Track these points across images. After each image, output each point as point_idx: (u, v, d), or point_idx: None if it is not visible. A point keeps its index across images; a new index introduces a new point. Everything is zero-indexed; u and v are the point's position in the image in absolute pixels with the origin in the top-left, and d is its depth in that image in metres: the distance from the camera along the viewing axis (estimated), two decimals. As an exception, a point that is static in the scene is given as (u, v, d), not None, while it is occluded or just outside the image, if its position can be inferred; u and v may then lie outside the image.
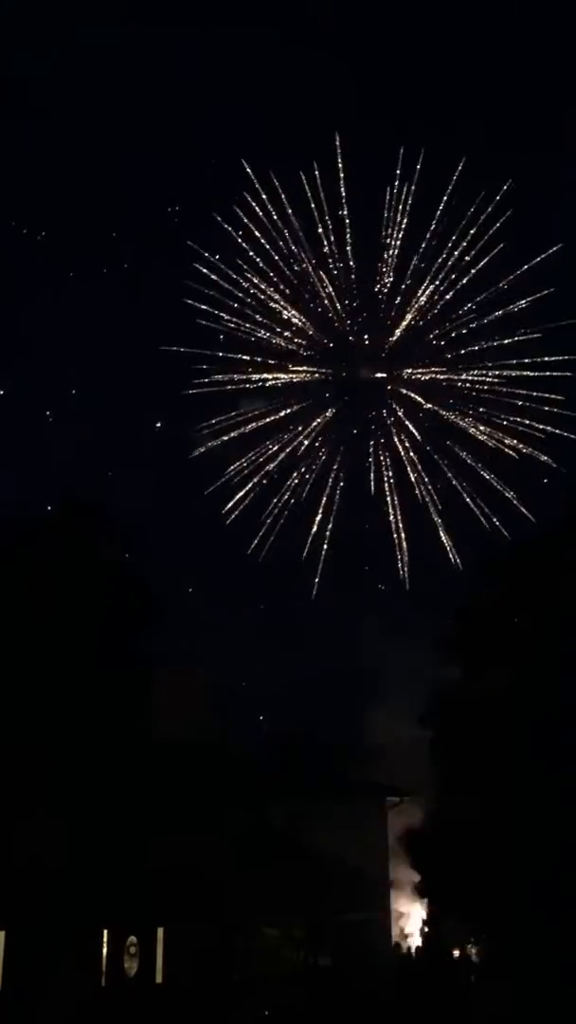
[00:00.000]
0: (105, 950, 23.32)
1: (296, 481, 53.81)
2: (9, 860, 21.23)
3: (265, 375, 55.19)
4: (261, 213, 52.69)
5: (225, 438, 53.53)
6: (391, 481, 54.17)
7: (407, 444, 54.44)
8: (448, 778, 22.27)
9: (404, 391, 54.48)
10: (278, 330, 54.98)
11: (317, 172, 52.33)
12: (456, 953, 28.81)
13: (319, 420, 55.86)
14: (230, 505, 51.98)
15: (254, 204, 52.45)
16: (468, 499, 51.44)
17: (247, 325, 53.98)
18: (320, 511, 52.73)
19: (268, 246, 53.57)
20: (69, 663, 23.41)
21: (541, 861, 19.15)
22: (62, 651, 23.59)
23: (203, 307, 52.97)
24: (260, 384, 55.09)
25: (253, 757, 31.27)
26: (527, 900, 19.52)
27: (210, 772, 26.11)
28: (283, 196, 52.98)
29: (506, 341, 52.38)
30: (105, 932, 23.38)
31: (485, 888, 20.11)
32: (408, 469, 54.01)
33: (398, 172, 52.92)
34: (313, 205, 53.12)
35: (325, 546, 51.29)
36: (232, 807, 26.32)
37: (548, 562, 23.11)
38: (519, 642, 22.22)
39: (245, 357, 54.32)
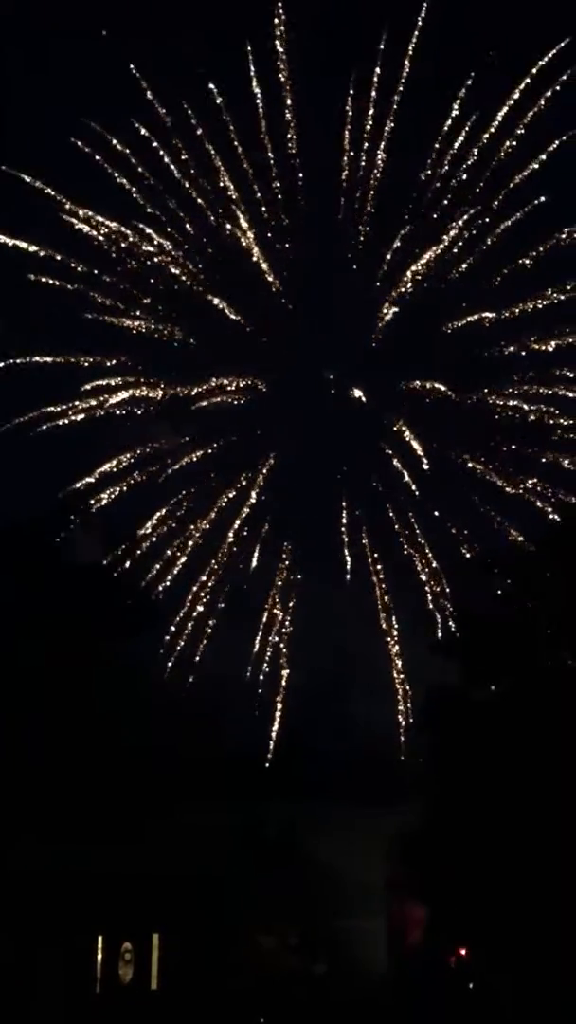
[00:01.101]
0: (100, 956, 23.23)
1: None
2: (3, 865, 21.13)
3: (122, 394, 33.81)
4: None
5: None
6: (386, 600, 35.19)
7: (412, 521, 35.03)
8: (446, 783, 22.24)
9: (400, 426, 34.94)
10: (150, 306, 34.74)
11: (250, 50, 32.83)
12: (454, 959, 28.68)
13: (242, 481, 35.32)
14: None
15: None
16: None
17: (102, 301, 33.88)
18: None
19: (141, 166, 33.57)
20: (62, 666, 23.35)
21: (540, 866, 19.11)
22: (55, 654, 23.54)
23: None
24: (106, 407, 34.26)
25: (249, 763, 31.18)
26: (526, 905, 19.48)
27: (206, 778, 26.04)
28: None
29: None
30: (100, 938, 23.28)
31: (483, 893, 20.06)
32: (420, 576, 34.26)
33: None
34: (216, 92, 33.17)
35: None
36: (228, 813, 26.25)
37: (548, 567, 23.13)
38: (519, 647, 22.24)
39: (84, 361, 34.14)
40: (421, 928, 27.16)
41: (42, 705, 22.74)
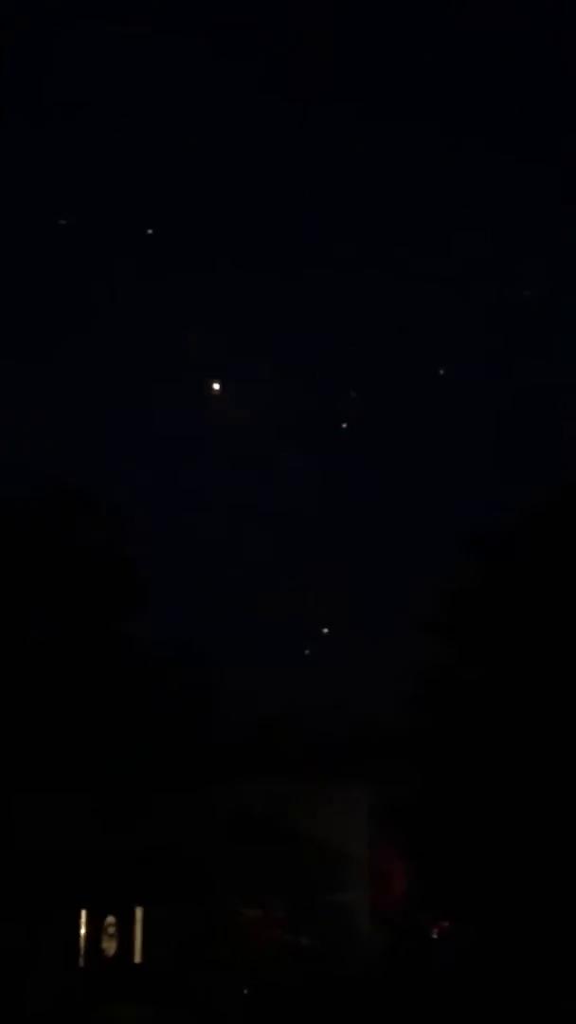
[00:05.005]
0: (83, 930, 23.20)
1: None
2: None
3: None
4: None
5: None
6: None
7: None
8: (434, 762, 22.14)
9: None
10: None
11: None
12: (437, 930, 28.80)
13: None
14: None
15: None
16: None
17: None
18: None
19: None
20: (49, 645, 23.10)
21: (530, 844, 19.09)
22: (42, 634, 23.28)
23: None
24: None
25: (235, 738, 31.05)
26: (514, 881, 19.47)
27: (191, 752, 25.91)
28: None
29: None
30: (83, 912, 23.23)
31: (470, 870, 20.05)
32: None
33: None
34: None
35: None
36: (213, 788, 26.16)
37: (540, 540, 22.77)
38: (510, 624, 22.00)
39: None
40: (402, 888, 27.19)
41: (29, 683, 22.53)
